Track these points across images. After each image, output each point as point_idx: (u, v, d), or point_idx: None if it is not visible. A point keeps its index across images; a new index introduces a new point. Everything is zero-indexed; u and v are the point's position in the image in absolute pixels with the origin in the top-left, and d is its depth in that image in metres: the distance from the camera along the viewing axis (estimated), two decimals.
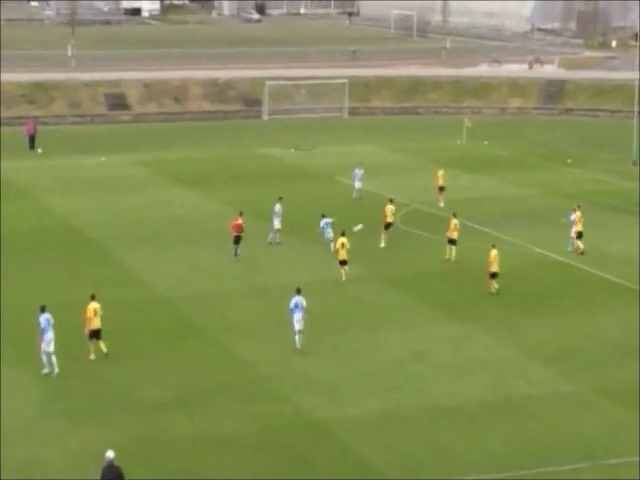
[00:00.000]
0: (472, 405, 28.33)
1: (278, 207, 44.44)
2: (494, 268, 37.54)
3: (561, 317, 35.40)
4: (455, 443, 26.12)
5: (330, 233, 42.51)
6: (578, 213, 42.94)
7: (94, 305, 31.26)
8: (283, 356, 31.84)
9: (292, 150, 68.12)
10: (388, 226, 44.53)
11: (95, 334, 31.21)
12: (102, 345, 31.24)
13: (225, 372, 30.78)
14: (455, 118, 77.88)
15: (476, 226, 47.41)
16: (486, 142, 70.45)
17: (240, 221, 42.36)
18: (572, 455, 25.25)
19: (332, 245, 41.35)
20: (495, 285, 37.63)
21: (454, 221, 41.97)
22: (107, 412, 27.92)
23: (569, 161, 63.70)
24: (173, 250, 43.94)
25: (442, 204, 50.91)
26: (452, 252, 41.77)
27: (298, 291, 32.33)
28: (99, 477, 21.97)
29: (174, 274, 40.55)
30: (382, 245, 43.85)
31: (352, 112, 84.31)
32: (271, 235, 44.53)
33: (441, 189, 52.00)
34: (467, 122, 70.51)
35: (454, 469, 24.66)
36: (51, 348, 30.03)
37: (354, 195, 53.18)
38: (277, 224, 44.24)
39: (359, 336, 33.74)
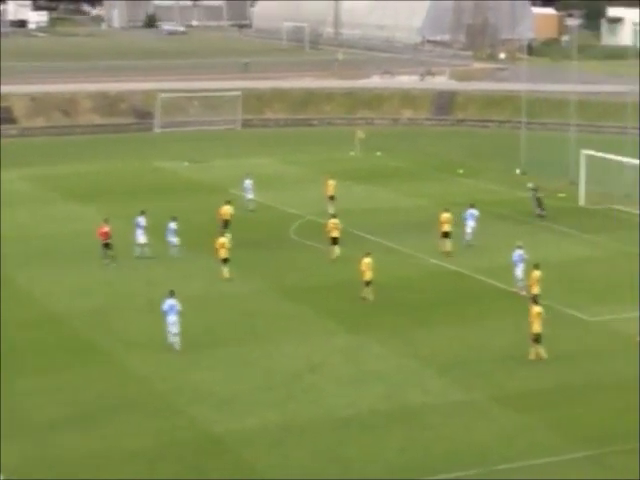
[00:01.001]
0: (368, 415, 28.49)
1: (141, 220, 44.31)
2: (367, 276, 37.78)
3: (454, 326, 35.88)
4: (351, 453, 26.22)
5: (174, 238, 43.52)
6: (446, 215, 44.23)
7: None
8: (179, 370, 31.55)
9: (186, 163, 67.69)
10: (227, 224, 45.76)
11: None
12: None
13: (120, 388, 30.37)
14: (348, 129, 78.46)
15: (369, 237, 47.78)
16: (379, 153, 71.15)
17: (107, 228, 43.04)
18: (465, 462, 25.57)
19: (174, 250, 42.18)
20: (369, 294, 37.78)
21: (332, 221, 43.48)
22: None
23: (460, 171, 64.76)
24: (65, 266, 43.19)
25: (332, 211, 50.83)
26: (336, 251, 42.92)
27: (171, 293, 32.72)
28: None
29: (66, 290, 39.86)
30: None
31: (245, 124, 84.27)
32: (138, 250, 44.17)
33: (331, 198, 52.48)
34: (360, 133, 71.11)
35: (350, 479, 24.70)
36: None
37: (249, 207, 53.07)
38: (142, 238, 44.04)
39: (254, 348, 33.64)
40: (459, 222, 45.47)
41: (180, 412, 28.64)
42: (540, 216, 51.70)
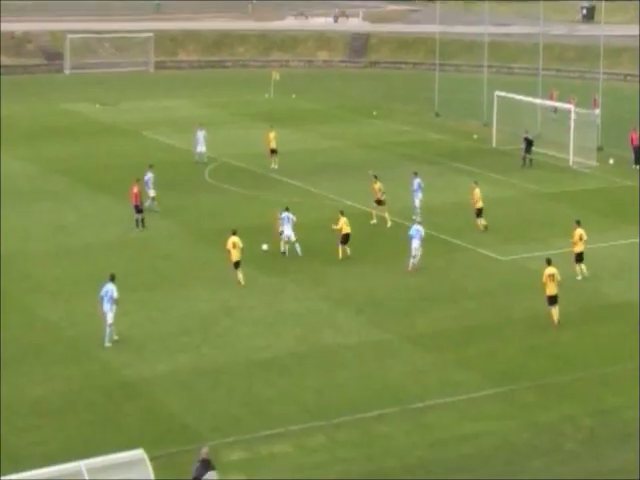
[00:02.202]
0: (284, 357, 28.49)
1: (150, 175, 41.89)
2: (345, 231, 36.33)
3: (368, 267, 36.00)
4: (267, 396, 26.20)
5: (290, 229, 37.11)
6: (477, 190, 40.22)
7: None
8: (90, 315, 31.03)
9: (97, 105, 66.42)
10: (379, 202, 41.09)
11: None
12: None
13: (30, 334, 29.85)
14: (263, 72, 77.82)
15: (285, 179, 47.55)
16: (294, 95, 70.70)
17: (137, 189, 39.76)
18: (381, 401, 25.76)
19: (297, 245, 37.18)
20: (347, 252, 36.66)
21: (343, 219, 37.30)
22: None
23: (375, 113, 64.72)
24: None
25: (275, 166, 49.80)
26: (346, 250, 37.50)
27: (111, 278, 29.35)
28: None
29: None
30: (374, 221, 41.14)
31: (158, 66, 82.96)
32: (148, 202, 41.84)
33: (273, 152, 49.89)
34: (275, 75, 70.54)
35: (266, 422, 24.72)
36: None
37: (198, 159, 50.66)
38: (152, 192, 41.68)
39: (169, 292, 33.34)
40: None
41: (91, 358, 28.26)
42: (524, 162, 51.02)
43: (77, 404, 25.62)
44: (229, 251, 33.99)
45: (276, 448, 23.54)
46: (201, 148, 50.68)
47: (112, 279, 29.38)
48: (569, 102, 55.93)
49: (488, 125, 57.81)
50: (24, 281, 34.30)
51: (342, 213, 37.55)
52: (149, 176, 42.14)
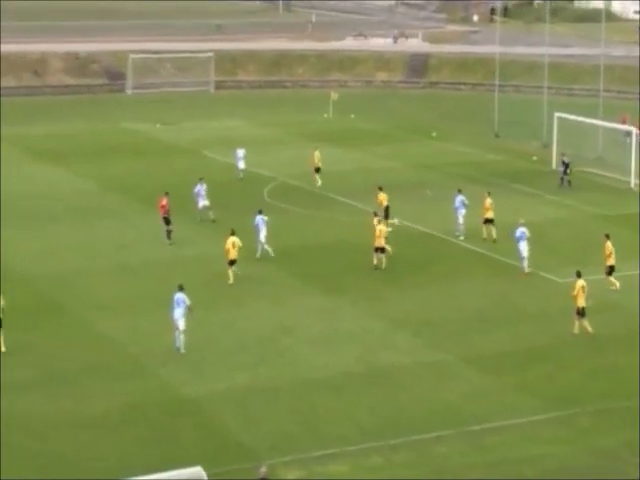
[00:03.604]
0: (340, 377, 28.50)
1: (200, 187, 43.10)
2: (379, 243, 37.16)
3: (426, 288, 35.91)
4: (324, 415, 26.23)
5: (264, 231, 38.78)
6: (489, 200, 41.36)
7: None
8: (150, 333, 31.41)
9: (158, 125, 67.17)
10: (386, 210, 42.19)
11: None
12: (1, 338, 29.92)
13: (91, 351, 30.20)
14: (321, 92, 78.14)
15: (342, 199, 47.67)
16: (353, 115, 70.89)
17: (165, 201, 40.61)
18: (438, 422, 25.66)
19: (267, 246, 38.80)
20: (383, 261, 37.18)
21: (381, 227, 38.24)
22: None
23: (434, 134, 64.63)
24: (34, 227, 42.83)
25: (319, 183, 50.29)
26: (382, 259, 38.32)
27: (180, 288, 30.28)
28: None
29: (36, 252, 39.54)
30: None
31: (218, 86, 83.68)
32: (199, 215, 42.98)
33: (317, 170, 50.57)
34: (333, 95, 70.79)
35: (323, 441, 24.75)
36: None
37: (240, 176, 51.87)
38: (205, 202, 42.83)
39: (227, 311, 33.55)
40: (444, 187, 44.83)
41: (150, 375, 28.53)
42: (562, 182, 50.92)
43: (136, 420, 25.87)
44: (228, 250, 35.42)
45: (332, 468, 23.55)
46: (241, 165, 52.05)
47: (181, 289, 30.16)
48: (624, 122, 55.30)
49: (548, 146, 57.43)
50: (85, 298, 34.74)
51: (375, 214, 38.75)
52: (199, 188, 43.07)
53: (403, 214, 44.81)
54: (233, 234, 36.08)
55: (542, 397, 27.21)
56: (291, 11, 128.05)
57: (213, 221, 42.74)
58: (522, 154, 58.38)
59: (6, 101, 75.53)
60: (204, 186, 43.29)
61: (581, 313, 31.32)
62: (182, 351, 29.70)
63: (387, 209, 42.16)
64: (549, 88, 64.42)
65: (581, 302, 31.25)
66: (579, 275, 31.70)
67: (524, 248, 37.43)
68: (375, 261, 37.47)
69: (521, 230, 37.74)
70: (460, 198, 41.22)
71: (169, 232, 40.42)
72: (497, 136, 63.80)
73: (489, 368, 29.14)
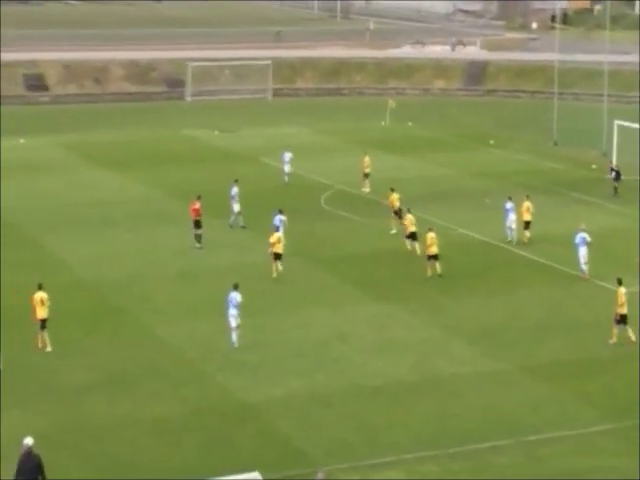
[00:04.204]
0: (396, 385, 28.54)
1: (234, 190, 43.77)
2: (431, 251, 37.45)
3: (483, 296, 35.82)
4: (379, 423, 26.30)
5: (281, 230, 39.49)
6: (527, 203, 41.97)
7: (40, 294, 30.63)
8: (209, 338, 31.74)
9: (216, 132, 67.75)
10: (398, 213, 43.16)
11: (41, 324, 30.60)
12: (47, 338, 30.60)
13: (151, 355, 30.59)
14: (379, 99, 78.19)
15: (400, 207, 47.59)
16: (410, 123, 70.87)
17: (198, 205, 41.34)
18: (495, 432, 25.60)
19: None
20: (437, 268, 37.32)
21: (409, 217, 40.39)
22: (28, 397, 27.55)
23: (491, 142, 64.39)
24: (95, 233, 43.45)
25: (367, 189, 50.58)
26: (415, 247, 40.02)
27: (235, 287, 31.14)
28: (16, 465, 21.54)
29: (97, 257, 40.11)
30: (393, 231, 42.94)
31: (276, 93, 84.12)
32: (232, 218, 43.83)
33: (365, 175, 51.09)
34: (391, 103, 70.84)
35: (378, 449, 24.83)
36: None
37: (285, 179, 52.67)
38: (236, 207, 43.56)
39: (284, 317, 33.76)
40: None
41: (209, 380, 28.82)
42: (615, 191, 50.84)
43: (195, 424, 26.15)
44: (273, 244, 36.93)
45: (388, 475, 23.61)
46: (287, 169, 52.46)
47: (236, 287, 30.97)
48: None
49: (607, 155, 56.93)
50: (145, 303, 35.19)
51: (408, 210, 40.53)
52: (235, 190, 43.32)
53: (461, 222, 44.74)
54: (277, 230, 37.67)
55: (600, 408, 27.02)
56: (349, 19, 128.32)
57: (243, 227, 43.32)
58: (581, 162, 57.94)
59: (68, 108, 76.78)
60: (238, 189, 43.73)
61: (622, 321, 31.20)
62: (236, 345, 30.56)
63: (399, 211, 42.85)
64: (609, 96, 63.85)
65: (622, 309, 31.12)
66: (620, 282, 31.67)
67: (584, 254, 37.28)
68: (429, 272, 37.36)
69: (581, 236, 37.61)
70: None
71: (198, 236, 41.01)
72: (556, 144, 63.37)
73: (546, 377, 28.99)
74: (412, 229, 40.00)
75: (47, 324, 30.65)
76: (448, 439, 25.28)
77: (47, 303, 30.64)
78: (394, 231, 42.48)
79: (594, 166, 56.75)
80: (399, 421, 26.41)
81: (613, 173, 51.24)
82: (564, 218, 45.11)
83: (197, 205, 41.33)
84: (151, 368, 29.59)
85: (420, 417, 26.65)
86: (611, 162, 52.01)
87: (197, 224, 41.22)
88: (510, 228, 41.81)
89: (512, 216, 41.65)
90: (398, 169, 56.40)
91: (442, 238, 42.57)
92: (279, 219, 39.56)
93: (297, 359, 30.25)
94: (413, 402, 27.55)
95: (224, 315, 31.01)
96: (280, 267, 37.48)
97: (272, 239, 37.31)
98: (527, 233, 41.79)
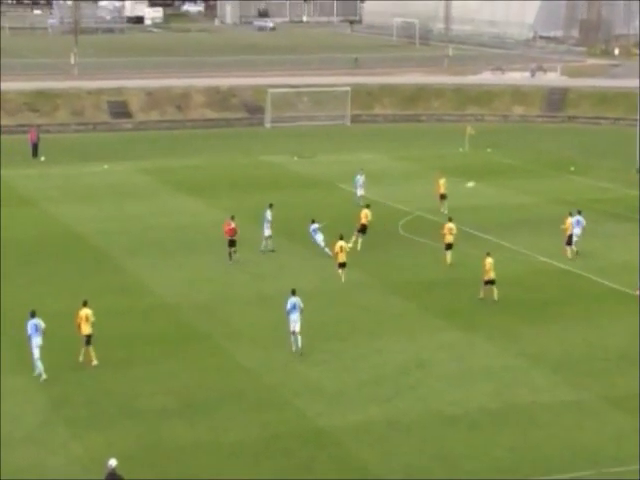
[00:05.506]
0: (475, 413, 28.27)
1: (269, 214, 44.41)
2: (490, 276, 37.46)
3: (564, 325, 35.34)
4: (459, 451, 26.05)
5: (320, 236, 42.94)
6: (570, 219, 43.03)
7: (85, 311, 31.37)
8: (286, 363, 31.80)
9: (295, 158, 68.13)
10: (363, 229, 44.89)
11: (86, 340, 31.34)
12: (92, 353, 31.35)
13: (228, 379, 30.75)
14: (458, 126, 77.89)
15: (479, 234, 47.37)
16: (489, 150, 70.45)
17: (233, 225, 42.80)
18: (576, 463, 25.18)
19: (326, 249, 42.16)
20: (494, 293, 37.41)
21: (448, 225, 42.37)
22: (110, 419, 27.89)
23: (572, 169, 63.66)
24: (176, 258, 43.94)
25: (445, 210, 50.87)
26: (448, 257, 42.16)
27: (293, 292, 32.79)
28: None
29: (177, 281, 40.54)
30: (358, 248, 44.03)
31: (355, 120, 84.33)
32: (263, 243, 44.46)
33: (442, 197, 51.82)
34: (470, 130, 70.52)
35: (457, 477, 24.58)
36: (36, 354, 30.23)
37: (359, 202, 52.88)
38: (268, 231, 44.23)
39: (362, 343, 33.69)
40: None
41: (287, 405, 28.86)
42: None
43: (271, 449, 26.19)
44: (337, 253, 39.37)
45: None
46: (360, 192, 52.88)
47: (294, 293, 32.67)
48: None
49: None
50: (224, 327, 35.43)
51: (449, 219, 42.53)
52: (268, 214, 44.06)
53: (541, 249, 44.25)
54: (341, 238, 39.87)
55: None
56: (428, 45, 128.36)
57: (272, 251, 43.83)
58: None
59: (150, 135, 77.99)
60: (271, 213, 44.29)
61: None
62: (300, 353, 31.58)
63: (364, 227, 44.37)
64: None
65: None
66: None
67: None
68: (482, 294, 37.55)
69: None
70: (577, 218, 42.69)
71: (231, 254, 42.46)
72: (639, 171, 62.40)
73: (629, 409, 28.43)
74: (449, 239, 41.56)
75: (92, 340, 31.28)
76: (528, 469, 24.93)
77: (91, 319, 31.35)
78: (350, 245, 42.57)
79: None
80: (478, 449, 26.13)
81: None
82: None
83: (232, 225, 42.61)
84: (229, 392, 29.73)
85: (500, 446, 26.33)
86: None
87: (231, 243, 42.66)
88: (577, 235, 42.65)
89: (578, 231, 42.56)
90: (477, 196, 56.06)
91: (522, 266, 42.30)
92: (314, 228, 42.50)
93: (375, 385, 30.14)
94: (493, 430, 27.24)
95: (286, 320, 32.31)
96: (345, 275, 39.43)
97: (336, 248, 39.35)
98: (570, 249, 42.85)
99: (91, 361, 31.39)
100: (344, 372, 31.19)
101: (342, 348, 33.09)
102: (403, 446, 26.34)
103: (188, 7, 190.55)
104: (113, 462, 21.94)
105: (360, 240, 44.33)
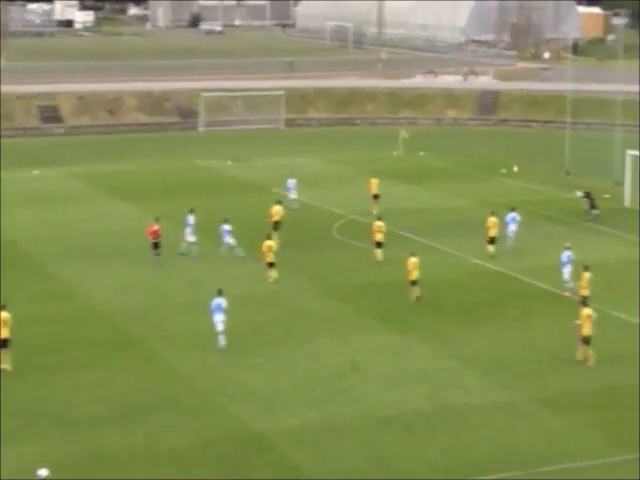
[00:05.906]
0: (410, 415, 28.44)
1: (191, 218, 44.22)
2: (414, 276, 37.84)
3: (497, 327, 35.72)
4: (393, 453, 26.19)
5: (230, 239, 43.23)
6: (492, 219, 43.86)
7: (3, 315, 31.04)
8: (220, 368, 31.71)
9: (229, 162, 67.97)
10: (277, 226, 45.62)
11: (2, 344, 30.96)
12: (7, 357, 30.97)
13: (163, 385, 30.56)
14: (391, 129, 78.40)
15: (412, 236, 47.69)
16: (422, 153, 70.99)
17: (157, 227, 42.71)
18: (508, 464, 25.45)
19: (237, 249, 43.03)
20: (416, 293, 37.89)
21: (377, 223, 43.13)
22: (42, 428, 27.53)
23: (503, 171, 64.44)
24: (109, 263, 43.56)
25: (374, 211, 51.01)
26: (378, 254, 42.90)
27: (219, 292, 32.95)
28: None
29: (110, 287, 40.21)
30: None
31: (289, 123, 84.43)
32: (183, 245, 44.27)
33: (375, 197, 52.27)
34: (403, 133, 70.99)
35: (391, 479, 24.68)
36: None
37: (292, 206, 52.95)
38: (192, 237, 44.02)
39: (296, 347, 33.72)
40: (501, 225, 45.17)
41: (221, 410, 28.77)
42: (596, 216, 51.03)
43: (206, 455, 26.08)
44: (265, 253, 39.54)
45: None
46: (292, 195, 53.10)
47: (220, 293, 32.79)
48: None
49: (620, 184, 56.90)
50: (158, 332, 35.20)
51: (378, 218, 43.46)
52: (190, 220, 44.05)
53: (474, 252, 44.68)
54: (269, 238, 40.38)
55: (616, 439, 26.83)
56: (361, 49, 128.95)
57: (195, 258, 43.87)
58: (594, 192, 57.82)
59: (82, 139, 77.22)
60: (194, 218, 44.35)
61: (586, 342, 31.81)
62: (223, 348, 32.32)
63: (277, 223, 45.69)
64: (622, 125, 63.83)
65: (586, 330, 31.68)
66: (585, 304, 32.67)
67: (567, 271, 38.26)
68: (412, 296, 38.12)
69: (567, 254, 38.56)
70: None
71: (156, 256, 42.66)
72: (568, 174, 63.36)
73: (561, 409, 28.84)
74: (379, 237, 42.52)
75: (8, 344, 30.93)
76: (461, 470, 25.15)
77: (9, 323, 30.99)
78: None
79: (607, 195, 56.68)
80: (412, 451, 26.30)
81: (587, 201, 51.64)
82: (579, 248, 44.95)
83: (156, 227, 42.54)
84: (164, 398, 29.55)
85: (434, 447, 26.53)
86: (581, 189, 52.88)
87: (155, 245, 42.60)
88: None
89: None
90: (411, 199, 56.46)
91: (455, 268, 42.68)
92: (225, 229, 42.76)
93: (310, 389, 30.19)
94: (426, 432, 27.43)
95: (210, 320, 32.59)
96: (274, 275, 39.75)
97: (263, 248, 39.62)
98: (491, 248, 43.36)
99: (4, 366, 30.86)
100: (279, 375, 31.20)
101: (277, 352, 33.09)
102: (338, 449, 26.41)
103: (136, 11, 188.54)
104: (43, 472, 21.59)
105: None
